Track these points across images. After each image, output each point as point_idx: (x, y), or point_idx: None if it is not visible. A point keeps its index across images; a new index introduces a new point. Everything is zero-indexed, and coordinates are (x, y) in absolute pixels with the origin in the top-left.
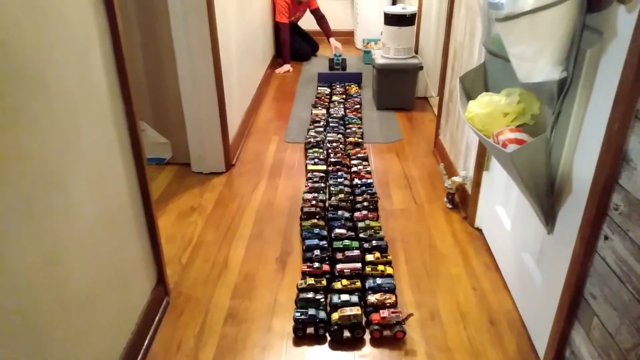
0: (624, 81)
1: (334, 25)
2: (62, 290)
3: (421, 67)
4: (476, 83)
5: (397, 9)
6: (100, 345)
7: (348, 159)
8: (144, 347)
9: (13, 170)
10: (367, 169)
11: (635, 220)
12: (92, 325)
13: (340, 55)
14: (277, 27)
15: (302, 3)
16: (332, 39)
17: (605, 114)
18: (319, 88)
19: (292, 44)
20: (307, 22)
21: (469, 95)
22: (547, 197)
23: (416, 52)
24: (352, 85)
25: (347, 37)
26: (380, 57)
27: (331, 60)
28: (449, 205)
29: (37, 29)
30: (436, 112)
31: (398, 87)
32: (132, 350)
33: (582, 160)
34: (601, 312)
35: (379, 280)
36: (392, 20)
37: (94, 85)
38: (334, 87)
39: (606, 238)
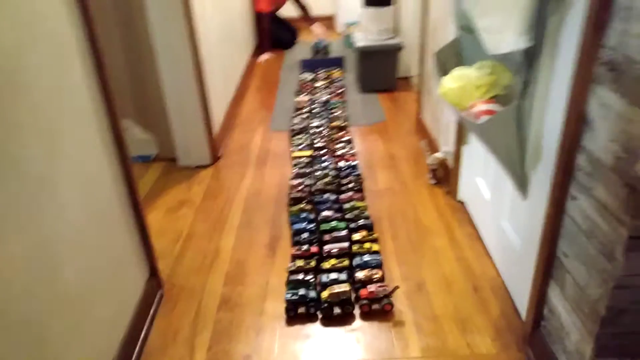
0: (582, 46)
1: (315, 10)
2: (56, 287)
3: (401, 47)
4: (451, 57)
5: None
6: (98, 338)
7: (333, 143)
8: (140, 338)
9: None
10: (352, 151)
11: (597, 178)
12: (88, 320)
13: (322, 41)
14: (258, 16)
15: None
16: (314, 25)
17: (569, 80)
18: (301, 75)
19: (273, 32)
20: (286, 10)
21: (446, 69)
22: (520, 164)
23: (396, 32)
24: (335, 70)
25: (328, 21)
26: (360, 40)
27: (314, 47)
28: (432, 181)
29: (13, 28)
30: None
31: (379, 69)
32: (129, 341)
33: (550, 126)
34: (572, 268)
35: (366, 257)
36: (370, 1)
37: (73, 85)
38: (317, 73)
39: (573, 198)
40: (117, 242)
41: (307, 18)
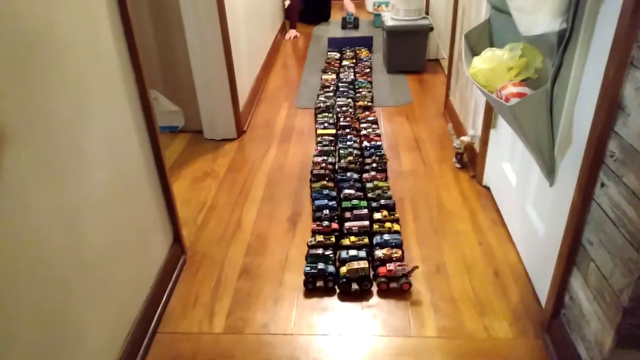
0: (619, 29)
1: None
2: (81, 246)
3: (432, 28)
4: (481, 39)
5: None
6: (121, 297)
7: (357, 123)
8: (163, 300)
9: (31, 128)
10: (377, 131)
11: (629, 165)
12: (112, 279)
13: (352, 15)
14: None
15: None
16: (345, 1)
17: (604, 64)
18: (328, 53)
19: (305, 7)
20: None
21: (475, 52)
22: (549, 149)
23: (427, 13)
24: (363, 50)
25: (358, 0)
26: (389, 19)
27: (344, 19)
28: (458, 165)
29: None
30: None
31: (408, 50)
32: (152, 302)
33: (581, 111)
34: (597, 257)
35: (386, 237)
36: None
37: (103, 49)
38: (344, 52)
39: (602, 185)
40: (142, 206)
41: None
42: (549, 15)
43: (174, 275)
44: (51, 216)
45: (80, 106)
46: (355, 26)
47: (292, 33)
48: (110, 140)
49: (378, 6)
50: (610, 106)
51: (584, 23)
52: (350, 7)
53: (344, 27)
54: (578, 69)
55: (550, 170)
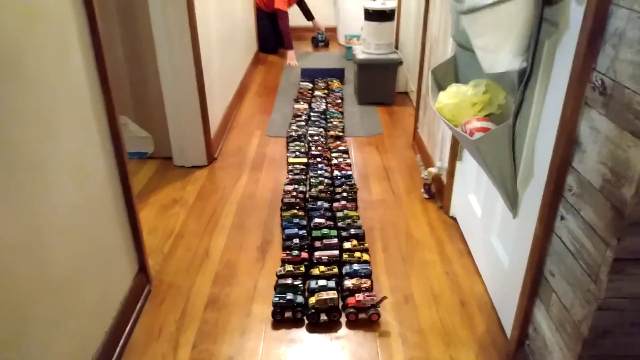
0: (574, 71)
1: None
2: (43, 271)
3: (401, 62)
4: (447, 75)
5: (376, 5)
6: (82, 328)
7: (329, 152)
8: (125, 331)
9: None
10: (347, 161)
11: (586, 199)
12: (74, 308)
13: (323, 34)
14: (275, 15)
15: None
16: (314, 20)
17: (561, 102)
18: (301, 83)
19: (266, 33)
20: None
21: (441, 86)
22: (512, 182)
23: (396, 47)
24: (335, 81)
25: (329, 33)
26: (361, 53)
27: (314, 38)
28: (426, 196)
29: (14, 16)
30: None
31: (379, 82)
32: (114, 333)
33: (542, 146)
34: (558, 288)
35: (355, 266)
36: (372, 16)
37: (73, 73)
38: (316, 83)
39: (562, 218)
40: (107, 233)
41: (310, 17)
42: (510, 54)
43: (138, 305)
44: (11, 239)
45: (46, 129)
46: (326, 44)
47: (292, 55)
48: (76, 165)
49: (350, 39)
50: (567, 143)
51: (542, 62)
52: (319, 26)
53: (315, 45)
54: (538, 106)
55: (513, 202)
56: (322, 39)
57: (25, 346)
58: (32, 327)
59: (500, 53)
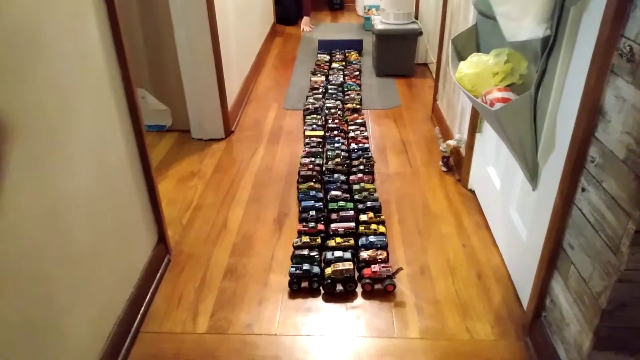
0: (600, 37)
1: None
2: (65, 242)
3: (421, 33)
4: (468, 44)
5: None
6: (104, 296)
7: (346, 125)
8: (146, 300)
9: (15, 124)
10: (364, 134)
11: (608, 171)
12: (95, 277)
13: None
14: None
15: None
16: (303, 20)
17: (586, 71)
18: (318, 55)
19: (287, 4)
20: None
21: (462, 56)
22: (532, 154)
23: (416, 17)
24: (352, 52)
25: (348, 3)
26: (379, 23)
27: (330, 1)
28: (444, 169)
29: None
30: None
31: (397, 53)
32: (135, 302)
33: (564, 117)
34: (577, 260)
35: (371, 238)
36: None
37: (89, 50)
38: (333, 55)
39: (583, 190)
40: (127, 204)
41: None
42: (534, 22)
43: (158, 274)
44: (36, 211)
45: (65, 103)
46: (341, 7)
47: (306, 21)
48: (95, 138)
49: (368, 10)
50: (591, 112)
51: (567, 30)
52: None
53: (331, 8)
54: (561, 76)
55: (533, 174)
56: (337, 2)
57: (50, 312)
58: (56, 294)
59: (523, 21)
